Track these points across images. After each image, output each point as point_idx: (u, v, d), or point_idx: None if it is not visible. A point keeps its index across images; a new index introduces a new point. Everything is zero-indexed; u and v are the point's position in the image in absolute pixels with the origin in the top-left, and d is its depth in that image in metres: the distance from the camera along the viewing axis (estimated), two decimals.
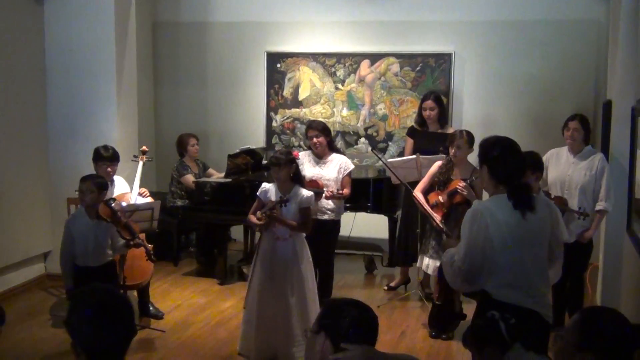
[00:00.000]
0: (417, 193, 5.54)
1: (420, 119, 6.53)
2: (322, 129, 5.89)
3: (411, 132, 6.66)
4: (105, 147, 5.65)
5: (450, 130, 6.19)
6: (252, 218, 4.95)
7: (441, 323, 5.32)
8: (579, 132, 5.32)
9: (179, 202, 7.42)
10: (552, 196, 5.41)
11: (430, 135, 6.44)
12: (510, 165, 3.41)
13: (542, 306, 3.41)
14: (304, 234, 5.02)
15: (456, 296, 5.40)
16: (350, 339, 2.32)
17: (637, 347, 2.20)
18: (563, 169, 5.40)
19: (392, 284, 6.79)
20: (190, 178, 7.35)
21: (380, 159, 6.13)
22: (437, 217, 5.37)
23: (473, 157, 5.48)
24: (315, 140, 5.82)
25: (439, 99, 6.50)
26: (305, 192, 4.96)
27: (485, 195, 5.09)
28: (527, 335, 3.14)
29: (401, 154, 7.55)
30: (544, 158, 5.59)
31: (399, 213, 6.96)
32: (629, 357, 2.17)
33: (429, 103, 6.42)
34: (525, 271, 3.34)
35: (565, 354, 2.23)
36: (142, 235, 5.57)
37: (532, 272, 3.37)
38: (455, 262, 3.43)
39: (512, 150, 3.46)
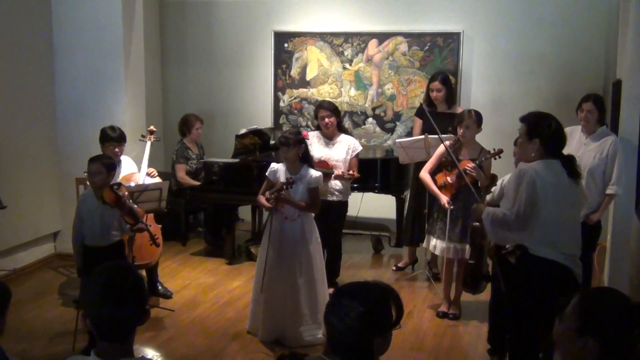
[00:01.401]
0: (424, 174, 5.53)
1: (428, 100, 6.50)
2: (333, 109, 5.89)
3: (420, 112, 6.64)
4: (112, 128, 5.64)
5: (458, 110, 6.16)
6: (262, 199, 4.96)
7: (475, 282, 5.16)
8: (593, 114, 5.25)
9: (176, 186, 7.41)
10: None
11: (438, 116, 6.41)
12: (561, 140, 3.82)
13: (575, 265, 3.75)
14: (313, 215, 5.04)
15: (484, 258, 5.20)
16: None
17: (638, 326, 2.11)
18: (574, 149, 5.34)
19: (400, 264, 6.80)
20: (182, 169, 7.33)
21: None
22: (444, 198, 5.36)
23: (480, 137, 5.50)
24: (327, 120, 5.80)
25: (446, 80, 6.46)
26: (314, 172, 4.96)
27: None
28: (560, 291, 3.48)
29: (409, 134, 7.53)
30: None
31: (406, 193, 6.96)
32: (631, 337, 2.09)
33: (436, 84, 6.38)
34: (560, 229, 3.69)
35: (566, 338, 2.15)
36: (151, 216, 5.59)
37: (567, 231, 3.74)
38: (505, 215, 3.71)
39: (560, 124, 3.84)
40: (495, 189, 4.60)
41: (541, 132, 3.76)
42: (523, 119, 3.91)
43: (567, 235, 3.75)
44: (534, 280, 3.73)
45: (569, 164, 3.76)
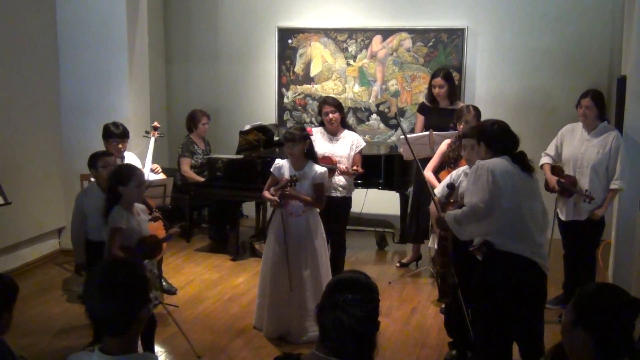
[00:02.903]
0: (428, 172, 5.51)
1: (431, 96, 6.51)
2: (337, 105, 5.88)
3: (421, 108, 6.64)
4: (115, 124, 5.64)
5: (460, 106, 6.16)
6: (267, 194, 4.97)
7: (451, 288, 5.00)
8: (591, 110, 5.25)
9: (181, 181, 7.43)
10: (564, 173, 5.39)
11: (440, 112, 6.41)
12: (509, 140, 3.88)
13: (540, 257, 3.78)
14: (318, 210, 5.04)
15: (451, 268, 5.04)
16: None
17: (634, 321, 2.15)
18: (576, 145, 5.35)
19: (404, 261, 6.80)
20: (187, 163, 7.33)
21: (402, 130, 5.93)
22: None
23: None
24: (331, 116, 5.80)
25: (448, 76, 6.46)
26: (319, 168, 4.97)
27: None
28: (526, 284, 3.68)
29: (412, 130, 7.52)
30: (559, 133, 5.55)
31: (410, 189, 6.96)
32: (626, 332, 2.14)
33: (438, 80, 6.39)
34: (523, 219, 3.73)
35: (564, 331, 2.23)
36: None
37: (529, 222, 3.75)
38: (472, 205, 3.71)
39: (504, 126, 3.95)
40: (440, 187, 4.64)
41: (485, 135, 3.93)
42: (475, 128, 4.25)
43: (532, 225, 3.77)
44: (499, 275, 3.78)
45: (520, 159, 3.84)
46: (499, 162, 3.78)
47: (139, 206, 4.37)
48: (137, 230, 4.22)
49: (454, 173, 4.68)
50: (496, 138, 3.89)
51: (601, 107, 5.30)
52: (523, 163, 3.83)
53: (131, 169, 4.36)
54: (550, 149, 5.56)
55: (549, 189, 5.42)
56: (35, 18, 6.57)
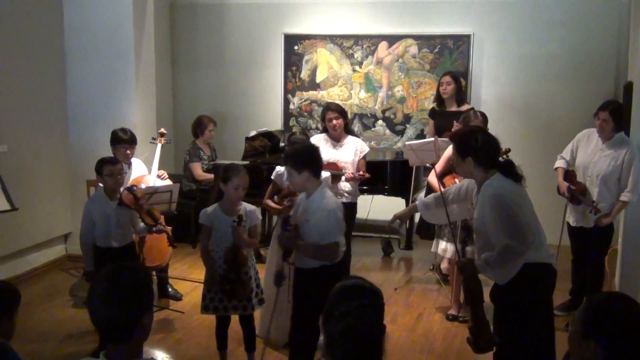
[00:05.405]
0: (433, 178, 5.51)
1: (439, 99, 6.58)
2: (340, 111, 5.88)
3: (431, 113, 6.74)
4: (124, 130, 5.66)
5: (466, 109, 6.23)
6: (270, 203, 4.96)
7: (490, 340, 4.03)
8: (608, 124, 5.15)
9: (194, 186, 7.45)
10: (576, 180, 5.36)
11: (449, 115, 6.45)
12: (493, 149, 3.71)
13: (552, 258, 3.72)
14: None
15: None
16: None
17: None
18: (590, 153, 5.30)
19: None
20: (198, 167, 7.35)
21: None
22: None
23: None
24: (334, 122, 5.79)
25: (456, 76, 6.61)
26: (322, 174, 4.96)
27: None
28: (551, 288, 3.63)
29: (419, 136, 7.54)
30: (576, 138, 5.50)
31: (416, 195, 6.96)
32: (637, 343, 2.07)
33: (446, 78, 6.56)
34: (536, 225, 3.65)
35: (573, 341, 2.18)
36: (162, 218, 5.61)
37: (538, 225, 3.68)
38: (509, 246, 3.50)
39: (487, 135, 3.79)
40: (452, 188, 4.28)
41: (470, 150, 3.68)
42: (451, 138, 3.97)
43: (540, 228, 3.70)
44: (535, 288, 3.66)
45: (511, 172, 3.67)
46: (498, 182, 3.62)
47: (247, 207, 4.39)
48: (223, 233, 4.26)
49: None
50: (484, 150, 3.67)
51: (618, 120, 5.20)
52: (515, 175, 3.67)
53: (236, 169, 4.39)
54: (566, 153, 5.52)
55: (560, 193, 5.42)
56: (42, 25, 6.60)
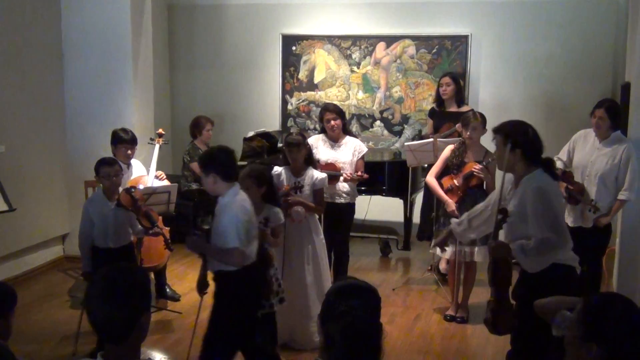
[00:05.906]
0: (430, 178, 5.52)
1: (439, 100, 6.60)
2: (338, 111, 5.88)
3: (431, 113, 6.77)
4: (124, 130, 5.66)
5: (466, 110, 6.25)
6: None
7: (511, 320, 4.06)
8: (604, 121, 5.14)
9: (194, 186, 7.44)
10: (573, 180, 5.36)
11: (448, 115, 6.46)
12: (540, 144, 3.72)
13: (577, 260, 3.73)
14: (317, 216, 5.10)
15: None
16: None
17: None
18: (587, 153, 5.30)
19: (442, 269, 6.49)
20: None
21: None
22: (452, 204, 5.34)
23: (485, 139, 5.47)
24: (332, 122, 5.79)
25: (456, 77, 6.65)
26: (318, 174, 5.01)
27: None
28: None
29: (416, 137, 7.55)
30: (572, 138, 5.51)
31: (414, 196, 6.97)
32: (638, 344, 2.07)
33: (446, 79, 6.57)
34: (566, 229, 3.70)
35: (572, 345, 2.17)
36: (159, 220, 5.61)
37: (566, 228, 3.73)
38: (547, 239, 3.53)
39: (534, 129, 3.75)
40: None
41: (522, 142, 3.66)
42: (498, 130, 3.78)
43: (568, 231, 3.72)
44: (552, 289, 3.51)
45: (551, 169, 3.72)
46: (544, 179, 3.65)
47: (272, 211, 4.37)
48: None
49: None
50: (533, 145, 3.70)
51: (614, 118, 5.19)
52: (554, 174, 3.73)
53: (268, 172, 4.48)
54: (563, 154, 5.52)
55: None
56: (40, 26, 6.60)
